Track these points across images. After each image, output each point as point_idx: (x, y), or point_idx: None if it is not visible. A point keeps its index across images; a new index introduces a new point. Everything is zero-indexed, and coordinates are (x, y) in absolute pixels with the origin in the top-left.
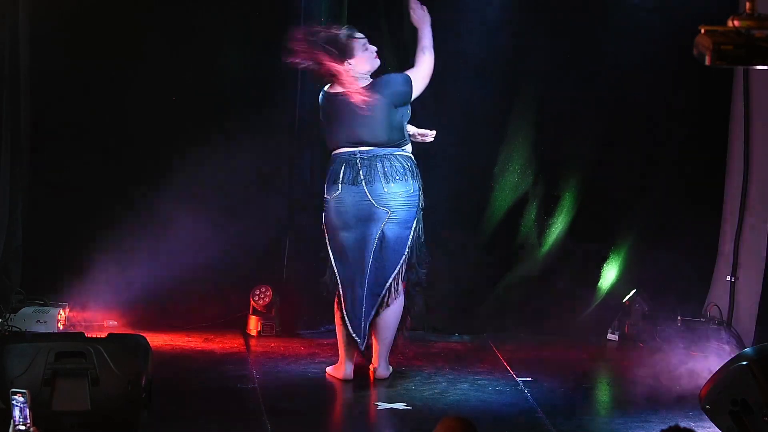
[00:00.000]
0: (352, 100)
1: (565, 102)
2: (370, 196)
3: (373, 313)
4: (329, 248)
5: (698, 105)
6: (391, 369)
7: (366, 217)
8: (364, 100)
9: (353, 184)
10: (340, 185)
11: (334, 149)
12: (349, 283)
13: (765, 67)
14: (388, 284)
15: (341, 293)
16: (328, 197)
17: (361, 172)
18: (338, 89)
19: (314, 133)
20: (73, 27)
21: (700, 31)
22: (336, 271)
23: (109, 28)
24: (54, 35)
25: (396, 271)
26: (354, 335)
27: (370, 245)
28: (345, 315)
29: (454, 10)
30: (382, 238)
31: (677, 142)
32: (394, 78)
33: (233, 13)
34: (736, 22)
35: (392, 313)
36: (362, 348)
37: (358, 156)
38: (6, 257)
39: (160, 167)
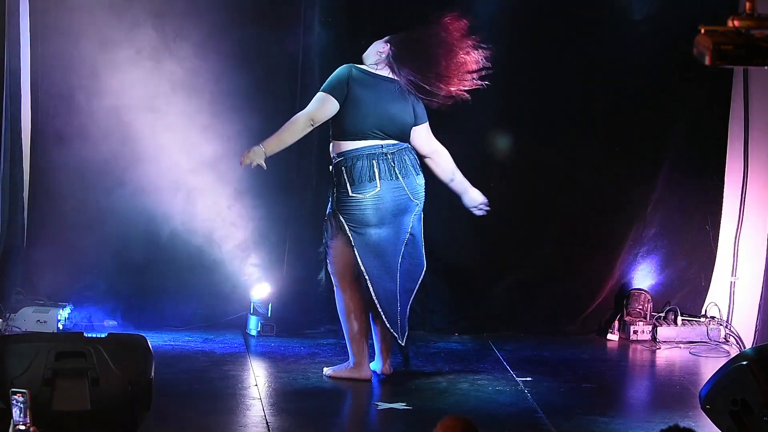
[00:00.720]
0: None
1: (565, 103)
2: (407, 190)
3: (408, 307)
4: (354, 245)
5: (698, 105)
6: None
7: (402, 211)
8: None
9: (391, 179)
10: (378, 182)
11: (353, 140)
12: (379, 278)
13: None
14: (420, 279)
15: (373, 290)
16: (360, 195)
17: (395, 165)
18: (381, 71)
19: (315, 130)
20: (72, 26)
21: (700, 31)
22: (364, 268)
23: (109, 26)
24: (54, 34)
25: (425, 265)
26: (392, 331)
27: (402, 238)
28: (381, 311)
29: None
30: (413, 231)
31: (677, 143)
32: (422, 106)
33: (232, 6)
34: (736, 22)
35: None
36: (402, 342)
37: (385, 150)
38: (6, 257)
39: (159, 167)
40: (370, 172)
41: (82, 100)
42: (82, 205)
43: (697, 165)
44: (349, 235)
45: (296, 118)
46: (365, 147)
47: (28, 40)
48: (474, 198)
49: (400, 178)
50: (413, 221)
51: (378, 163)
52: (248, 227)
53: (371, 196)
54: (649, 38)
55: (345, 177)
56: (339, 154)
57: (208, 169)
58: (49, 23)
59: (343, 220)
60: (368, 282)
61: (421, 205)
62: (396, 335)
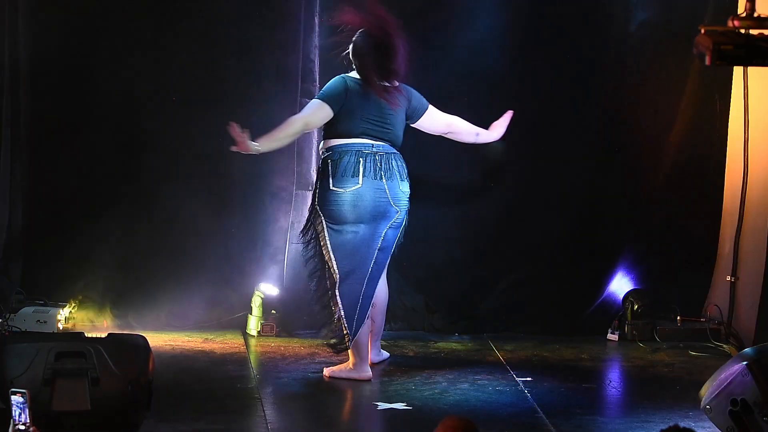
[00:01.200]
0: (383, 95)
1: (565, 104)
2: (388, 194)
3: (369, 311)
4: (328, 242)
5: (698, 106)
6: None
7: (380, 214)
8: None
9: (374, 178)
10: (360, 179)
11: (344, 138)
12: (345, 277)
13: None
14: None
15: (338, 289)
16: (340, 190)
17: (381, 167)
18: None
19: (316, 131)
20: (72, 26)
21: (700, 31)
22: (335, 266)
23: (108, 26)
24: (53, 35)
25: (386, 269)
26: (347, 332)
27: (376, 243)
28: (341, 311)
29: (453, 23)
30: (386, 241)
31: (677, 142)
32: (419, 95)
33: (233, 7)
34: (736, 22)
35: (382, 299)
36: (350, 345)
37: (374, 150)
38: (6, 257)
39: (160, 167)
40: (354, 168)
41: (84, 102)
42: (82, 204)
43: (697, 165)
44: (325, 231)
45: (293, 120)
46: (355, 143)
47: (25, 35)
48: (498, 134)
49: (384, 180)
50: (389, 231)
51: (364, 161)
52: (249, 227)
53: (351, 192)
54: (649, 39)
55: (329, 170)
56: (328, 149)
57: (209, 168)
58: (46, 16)
59: (322, 215)
60: (336, 280)
61: (402, 216)
62: (348, 336)
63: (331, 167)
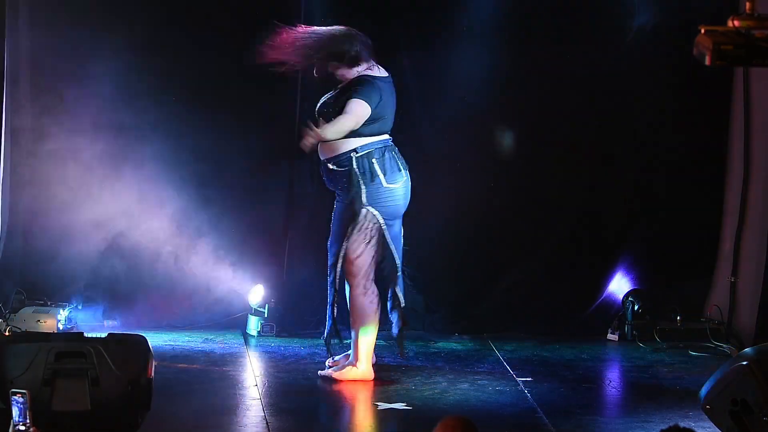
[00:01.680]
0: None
1: (565, 104)
2: (409, 182)
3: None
4: (389, 237)
5: (698, 105)
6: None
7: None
8: None
9: (406, 169)
10: (403, 172)
11: (378, 136)
12: (399, 268)
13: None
14: (401, 268)
15: (399, 280)
16: (394, 185)
17: (401, 158)
18: (377, 72)
19: None
20: (72, 25)
21: (700, 31)
22: (398, 260)
23: (107, 26)
24: (53, 35)
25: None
26: (406, 321)
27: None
28: (402, 300)
29: (451, 22)
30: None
31: (678, 142)
32: None
33: (234, 9)
34: (736, 22)
35: None
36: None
37: (391, 144)
38: (6, 257)
39: (159, 167)
40: (396, 162)
41: (83, 102)
42: (81, 204)
43: (697, 165)
44: (384, 227)
45: (345, 120)
46: (385, 140)
47: (25, 35)
48: None
49: (407, 171)
50: None
51: (396, 154)
52: (249, 228)
53: (402, 185)
54: (649, 39)
55: (377, 169)
56: (363, 147)
57: (209, 167)
58: (46, 17)
59: (378, 214)
60: (399, 272)
61: None
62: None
63: (379, 166)
